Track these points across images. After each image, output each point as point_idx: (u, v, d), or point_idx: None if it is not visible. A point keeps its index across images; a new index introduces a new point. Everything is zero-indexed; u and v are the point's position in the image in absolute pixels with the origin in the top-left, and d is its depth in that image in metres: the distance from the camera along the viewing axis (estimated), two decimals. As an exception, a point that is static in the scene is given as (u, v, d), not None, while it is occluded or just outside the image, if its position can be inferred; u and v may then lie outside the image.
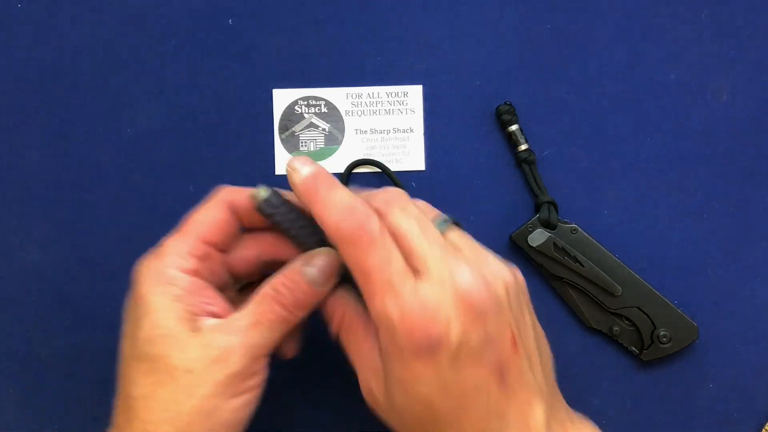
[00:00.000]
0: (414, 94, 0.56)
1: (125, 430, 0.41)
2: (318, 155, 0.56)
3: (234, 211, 0.45)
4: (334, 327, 0.45)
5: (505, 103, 0.55)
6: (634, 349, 0.55)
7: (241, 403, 0.42)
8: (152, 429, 0.40)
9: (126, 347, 0.43)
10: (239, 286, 0.48)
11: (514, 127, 0.55)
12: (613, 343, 0.55)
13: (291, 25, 0.56)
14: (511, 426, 0.40)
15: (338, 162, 0.56)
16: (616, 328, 0.55)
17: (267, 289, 0.43)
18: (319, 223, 0.41)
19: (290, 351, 0.47)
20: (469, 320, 0.39)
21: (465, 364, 0.39)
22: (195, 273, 0.43)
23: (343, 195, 0.41)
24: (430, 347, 0.38)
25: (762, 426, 0.55)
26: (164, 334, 0.41)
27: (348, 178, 0.56)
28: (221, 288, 0.45)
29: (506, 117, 0.55)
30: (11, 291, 0.55)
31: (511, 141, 0.55)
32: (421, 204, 0.45)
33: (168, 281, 0.42)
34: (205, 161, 0.55)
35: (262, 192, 0.44)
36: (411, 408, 0.40)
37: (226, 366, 0.41)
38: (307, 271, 0.43)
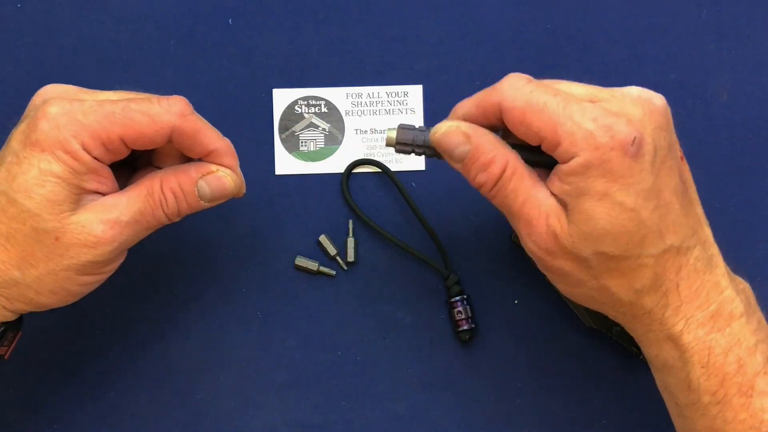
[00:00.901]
0: (414, 94, 0.56)
1: None
2: (318, 155, 0.56)
3: (172, 140, 0.44)
4: (491, 180, 0.43)
5: (505, 103, 0.55)
6: (634, 349, 0.55)
7: (91, 281, 0.44)
8: (3, 269, 0.42)
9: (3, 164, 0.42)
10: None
11: (514, 127, 0.55)
12: (613, 343, 0.55)
13: (291, 25, 0.56)
14: (699, 237, 0.42)
15: (338, 162, 0.56)
16: (616, 328, 0.54)
17: (156, 187, 0.44)
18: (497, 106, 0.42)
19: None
20: (657, 126, 0.41)
21: (661, 168, 0.40)
22: (98, 158, 0.43)
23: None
24: (636, 148, 0.39)
25: (762, 426, 0.55)
26: (47, 197, 0.41)
27: (348, 178, 0.56)
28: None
29: (506, 117, 0.55)
30: (11, 291, 0.55)
31: (511, 141, 0.55)
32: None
33: (69, 152, 0.41)
34: (205, 161, 0.55)
35: (391, 133, 0.45)
36: (616, 225, 0.40)
37: (96, 251, 0.42)
38: (200, 186, 0.44)
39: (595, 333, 0.55)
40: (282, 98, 0.56)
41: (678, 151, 0.43)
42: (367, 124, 0.56)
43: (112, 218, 0.43)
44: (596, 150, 0.39)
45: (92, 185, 0.43)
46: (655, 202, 0.40)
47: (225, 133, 0.56)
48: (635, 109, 0.40)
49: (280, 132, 0.56)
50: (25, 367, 0.54)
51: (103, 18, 0.56)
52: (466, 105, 0.44)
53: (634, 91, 0.42)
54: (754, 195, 0.56)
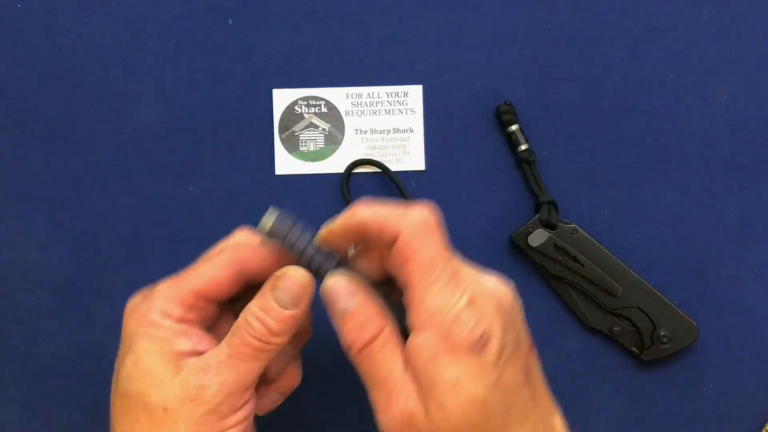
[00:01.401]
0: (414, 94, 0.56)
1: None
2: (318, 155, 0.56)
3: (242, 272, 0.43)
4: (361, 344, 0.42)
5: (505, 103, 0.55)
6: (634, 349, 0.55)
7: None
8: None
9: (113, 384, 0.43)
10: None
11: (514, 127, 0.55)
12: (613, 343, 0.55)
13: (291, 25, 0.56)
14: (548, 427, 0.41)
15: (338, 162, 0.56)
16: (616, 328, 0.55)
17: (240, 320, 0.42)
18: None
19: (290, 381, 0.46)
20: (506, 323, 0.40)
21: (506, 363, 0.40)
22: (181, 320, 0.42)
23: None
24: (481, 343, 0.39)
25: (762, 426, 0.55)
26: (144, 372, 0.41)
27: (348, 178, 0.56)
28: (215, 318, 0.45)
29: (506, 117, 0.55)
30: (11, 291, 0.55)
31: (511, 141, 0.55)
32: None
33: (151, 324, 0.42)
34: (205, 161, 0.55)
35: (270, 220, 0.42)
36: (462, 414, 0.39)
37: (202, 403, 0.40)
38: (276, 295, 0.42)
39: (595, 333, 0.55)
40: (282, 98, 0.56)
41: (526, 344, 0.42)
42: (367, 124, 0.56)
43: (204, 365, 0.41)
44: (446, 342, 0.39)
45: (186, 346, 0.42)
46: (503, 395, 0.39)
47: (225, 134, 0.56)
48: (487, 305, 0.40)
49: (280, 132, 0.56)
50: (25, 367, 0.54)
51: (103, 18, 0.56)
52: (362, 215, 0.41)
53: (490, 283, 0.41)
54: (754, 195, 0.56)
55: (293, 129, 0.56)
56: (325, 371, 0.55)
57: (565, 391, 0.55)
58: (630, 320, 0.54)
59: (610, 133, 0.56)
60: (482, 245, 0.56)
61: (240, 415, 0.42)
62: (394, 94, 0.56)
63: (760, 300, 0.56)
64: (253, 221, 0.55)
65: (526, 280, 0.56)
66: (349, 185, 0.56)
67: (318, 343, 0.55)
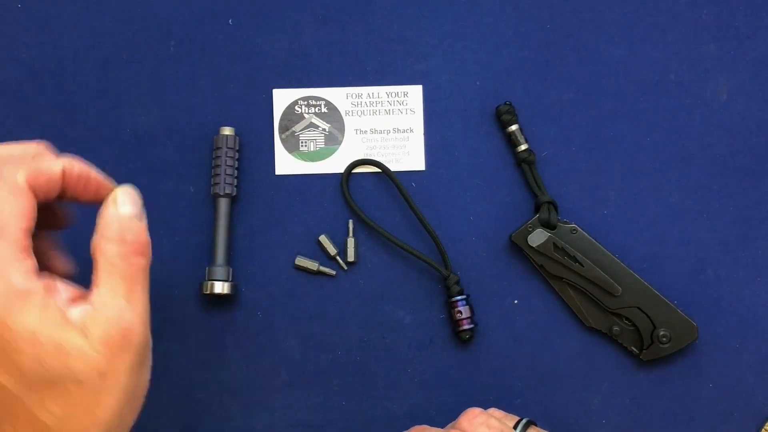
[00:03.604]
0: (414, 94, 0.56)
1: None
2: (318, 155, 0.56)
3: (37, 193, 0.41)
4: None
5: (505, 103, 0.55)
6: (634, 349, 0.55)
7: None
8: None
9: None
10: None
11: (514, 127, 0.55)
12: (613, 343, 0.55)
13: (291, 25, 0.56)
14: None
15: (338, 162, 0.56)
16: (616, 328, 0.55)
17: (109, 260, 0.40)
18: None
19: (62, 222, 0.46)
20: None
21: None
22: (35, 267, 0.39)
23: None
24: None
25: (762, 426, 0.55)
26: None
27: (348, 178, 0.56)
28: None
29: (506, 117, 0.55)
30: (11, 291, 0.55)
31: (511, 141, 0.55)
32: (497, 413, 0.50)
33: (26, 294, 0.38)
34: (205, 161, 0.55)
35: (230, 131, 0.50)
36: None
37: (130, 345, 0.39)
38: (124, 211, 0.41)
39: (595, 333, 0.55)
40: (282, 98, 0.56)
41: None
42: (367, 124, 0.56)
43: (102, 313, 0.39)
44: None
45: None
46: None
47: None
48: None
49: (280, 132, 0.56)
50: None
51: (103, 18, 0.56)
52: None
53: None
54: (753, 195, 0.56)
55: (293, 129, 0.56)
56: (325, 371, 0.55)
57: (565, 391, 0.55)
58: (629, 320, 0.54)
59: (610, 133, 0.56)
60: (482, 245, 0.56)
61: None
62: (394, 94, 0.56)
63: (760, 300, 0.56)
64: (253, 221, 0.56)
65: (526, 280, 0.56)
66: (349, 185, 0.56)
67: (318, 342, 0.55)
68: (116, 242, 0.40)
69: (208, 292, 0.53)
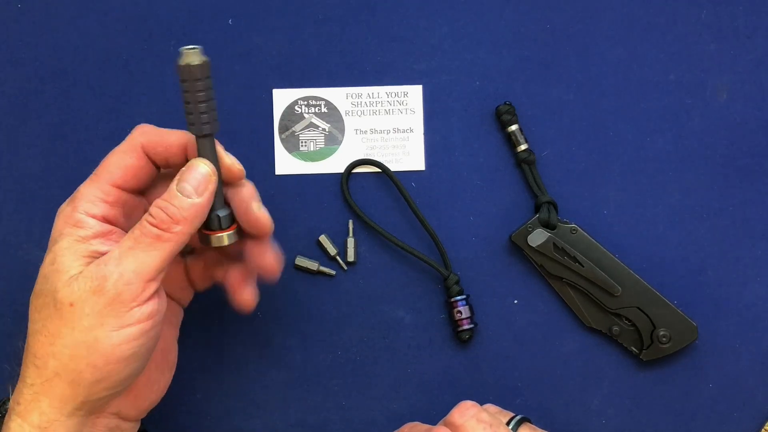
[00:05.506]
0: (414, 94, 0.56)
1: (22, 365, 0.43)
2: (318, 155, 0.56)
3: (149, 155, 0.45)
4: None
5: (505, 103, 0.55)
6: (633, 349, 0.55)
7: (124, 338, 0.41)
8: (40, 363, 0.41)
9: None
10: None
11: (514, 127, 0.55)
12: (613, 343, 0.55)
13: (291, 25, 0.56)
14: None
15: (338, 162, 0.56)
16: (615, 328, 0.55)
17: (145, 214, 0.43)
18: None
19: (246, 301, 0.48)
20: None
21: None
22: (104, 218, 0.43)
23: None
24: None
25: (762, 426, 0.55)
26: (57, 270, 0.41)
27: (348, 178, 0.56)
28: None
29: (506, 117, 0.55)
30: (11, 291, 0.55)
31: (511, 141, 0.55)
32: (492, 408, 0.50)
33: (75, 224, 0.42)
34: (205, 161, 0.55)
35: (195, 57, 0.44)
36: None
37: (102, 294, 0.40)
38: (180, 186, 0.43)
39: (595, 333, 0.55)
40: (282, 98, 0.56)
41: None
42: (367, 124, 0.56)
43: (107, 258, 0.41)
44: None
45: (103, 247, 0.42)
46: None
47: (225, 134, 0.56)
48: None
49: (280, 132, 0.56)
50: (25, 367, 0.54)
51: (103, 18, 0.56)
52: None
53: None
54: (753, 195, 0.56)
55: (293, 129, 0.56)
56: (325, 371, 0.55)
57: (565, 391, 0.55)
58: (629, 320, 0.54)
59: (609, 133, 0.56)
60: (482, 245, 0.56)
61: (145, 310, 0.41)
62: (394, 94, 0.56)
63: (760, 300, 0.56)
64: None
65: (526, 280, 0.56)
66: (349, 185, 0.56)
67: (318, 342, 0.55)
68: (154, 206, 0.43)
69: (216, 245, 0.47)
